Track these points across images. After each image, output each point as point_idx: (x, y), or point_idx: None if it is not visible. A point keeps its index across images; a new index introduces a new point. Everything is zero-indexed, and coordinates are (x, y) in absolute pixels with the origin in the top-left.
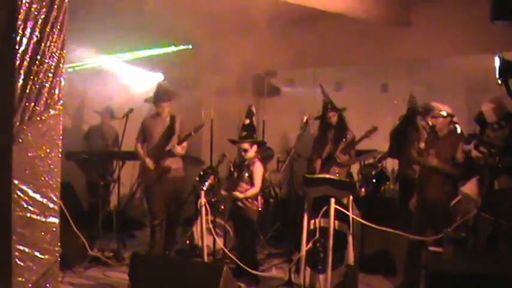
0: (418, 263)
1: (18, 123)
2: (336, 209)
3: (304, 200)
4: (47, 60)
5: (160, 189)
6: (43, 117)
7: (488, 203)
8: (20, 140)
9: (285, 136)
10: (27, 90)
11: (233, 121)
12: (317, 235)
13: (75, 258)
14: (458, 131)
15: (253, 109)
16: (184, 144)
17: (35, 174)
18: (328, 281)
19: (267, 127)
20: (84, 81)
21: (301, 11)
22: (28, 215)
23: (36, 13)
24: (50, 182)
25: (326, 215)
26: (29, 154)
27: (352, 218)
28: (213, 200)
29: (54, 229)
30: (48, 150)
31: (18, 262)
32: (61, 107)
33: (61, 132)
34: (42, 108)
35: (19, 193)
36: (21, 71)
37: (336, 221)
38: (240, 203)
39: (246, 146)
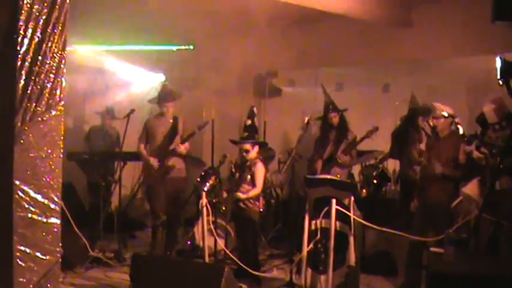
0: (419, 264)
1: (19, 124)
2: (337, 210)
3: (306, 200)
4: (48, 61)
5: (163, 189)
6: (44, 118)
7: (489, 204)
8: (22, 141)
9: (286, 137)
10: (29, 91)
11: (234, 122)
12: (318, 236)
13: (76, 259)
14: (461, 131)
15: (255, 110)
16: (187, 144)
17: (36, 174)
18: (329, 281)
19: (268, 128)
20: (86, 82)
21: (302, 11)
22: (29, 215)
23: (37, 14)
24: (51, 183)
25: (327, 215)
26: (30, 155)
27: (353, 219)
28: (214, 200)
29: (56, 230)
30: (49, 151)
31: (20, 263)
32: (62, 108)
33: (62, 132)
34: (43, 109)
35: (20, 194)
36: (23, 72)
37: (337, 222)
38: (241, 204)
39: (247, 146)
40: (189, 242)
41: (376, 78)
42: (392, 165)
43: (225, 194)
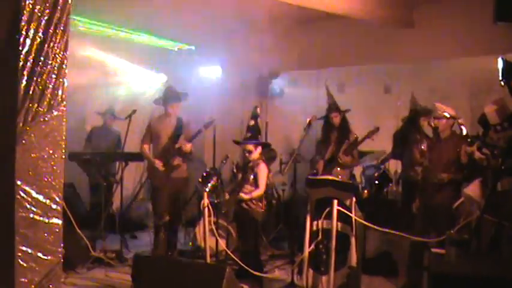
0: (421, 265)
1: (21, 124)
2: (338, 211)
3: (307, 201)
4: (50, 61)
5: (168, 189)
6: (46, 118)
7: (491, 205)
8: (23, 141)
9: (288, 137)
10: (31, 91)
11: (236, 122)
12: (320, 236)
13: (77, 259)
14: (464, 132)
15: (259, 110)
16: (190, 144)
17: (38, 175)
18: (330, 282)
19: (270, 128)
20: (87, 83)
21: (304, 12)
22: (31, 215)
23: (39, 14)
24: (53, 183)
25: (329, 216)
26: (32, 155)
27: (355, 220)
28: (215, 201)
29: (57, 230)
30: (51, 151)
31: (21, 263)
32: (64, 108)
33: (64, 133)
34: (45, 109)
35: (22, 194)
36: (25, 72)
37: (339, 223)
38: (244, 205)
39: (250, 147)
40: (190, 243)
41: (378, 79)
42: (394, 166)
43: (227, 195)
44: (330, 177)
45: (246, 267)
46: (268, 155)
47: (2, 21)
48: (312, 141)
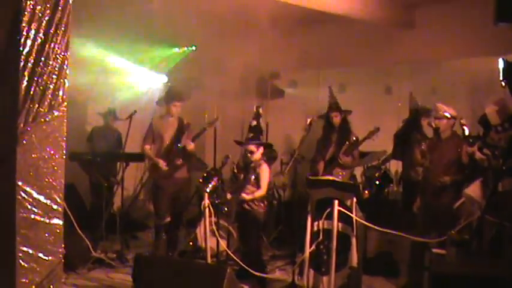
0: (422, 265)
1: (22, 125)
2: (339, 211)
3: (308, 202)
4: (51, 62)
5: (170, 189)
6: (47, 119)
7: (492, 205)
8: (24, 142)
9: (288, 138)
10: (31, 92)
11: (236, 123)
12: (320, 237)
13: (78, 260)
14: (466, 132)
15: (261, 111)
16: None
17: (38, 175)
18: (331, 283)
19: (271, 129)
20: (88, 83)
21: (304, 12)
22: (32, 216)
23: (40, 15)
24: (54, 184)
25: (329, 217)
26: (32, 155)
27: (356, 220)
28: (216, 201)
29: (58, 230)
30: (52, 152)
31: (22, 263)
32: (65, 109)
33: (65, 133)
34: (46, 110)
35: (23, 194)
36: (25, 73)
37: (340, 223)
38: (246, 206)
39: (252, 147)
40: (191, 243)
41: (379, 79)
42: (395, 167)
43: (229, 196)
44: (331, 178)
45: (247, 267)
46: (269, 155)
47: (3, 22)
48: (313, 142)
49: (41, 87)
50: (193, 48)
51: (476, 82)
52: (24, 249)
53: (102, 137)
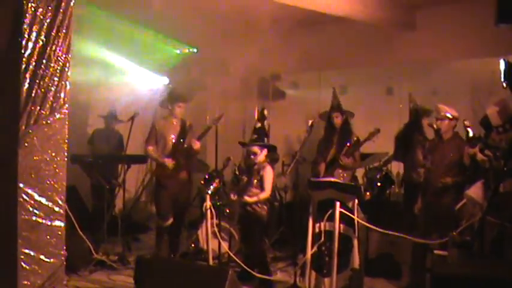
0: (423, 267)
1: (23, 127)
2: (341, 213)
3: (309, 203)
4: (52, 64)
5: (173, 189)
6: (48, 121)
7: (493, 207)
8: (26, 144)
9: (290, 139)
10: (33, 94)
11: (238, 125)
12: (322, 239)
13: (80, 262)
14: (471, 134)
15: (266, 112)
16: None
17: (40, 177)
18: (333, 284)
19: (272, 130)
20: (89, 85)
21: (305, 14)
22: (34, 218)
23: (41, 17)
24: (56, 186)
25: (331, 218)
26: (34, 158)
27: (357, 222)
28: (218, 203)
29: (60, 233)
30: (53, 154)
31: (24, 265)
32: (66, 111)
33: (66, 135)
34: (47, 112)
35: (25, 197)
36: (27, 75)
37: (341, 225)
38: (249, 208)
39: (255, 149)
40: (193, 245)
41: (380, 80)
42: (396, 168)
43: (233, 196)
44: (332, 179)
45: (248, 269)
46: (271, 157)
47: (5, 24)
48: (314, 143)
49: (43, 90)
50: (195, 50)
51: (478, 83)
52: (26, 251)
53: (103, 139)
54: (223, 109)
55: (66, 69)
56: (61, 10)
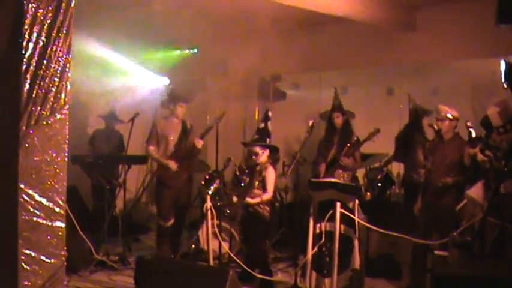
0: (424, 267)
1: (24, 128)
2: (341, 213)
3: (310, 204)
4: (53, 65)
5: (174, 189)
6: (49, 122)
7: (494, 207)
8: (26, 145)
9: (290, 140)
10: (33, 95)
11: (238, 125)
12: (323, 239)
13: (80, 262)
14: (473, 135)
15: (270, 114)
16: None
17: (41, 178)
18: (334, 285)
19: (273, 131)
20: (90, 85)
21: (306, 14)
22: (34, 219)
23: (42, 18)
24: (56, 186)
25: (332, 219)
26: (35, 158)
27: (358, 222)
28: (218, 204)
29: (60, 233)
30: (54, 155)
31: (24, 266)
32: (67, 111)
33: (67, 136)
34: (48, 113)
35: (25, 197)
36: (28, 76)
37: (342, 225)
38: (251, 209)
39: (257, 149)
40: (193, 245)
41: (381, 81)
42: (397, 169)
43: (235, 199)
44: (333, 180)
45: (249, 270)
46: (272, 157)
47: (5, 25)
48: (314, 144)
49: (43, 90)
50: (195, 50)
51: (478, 84)
52: (27, 251)
53: (103, 139)
54: (223, 109)
55: (67, 70)
56: (61, 11)
